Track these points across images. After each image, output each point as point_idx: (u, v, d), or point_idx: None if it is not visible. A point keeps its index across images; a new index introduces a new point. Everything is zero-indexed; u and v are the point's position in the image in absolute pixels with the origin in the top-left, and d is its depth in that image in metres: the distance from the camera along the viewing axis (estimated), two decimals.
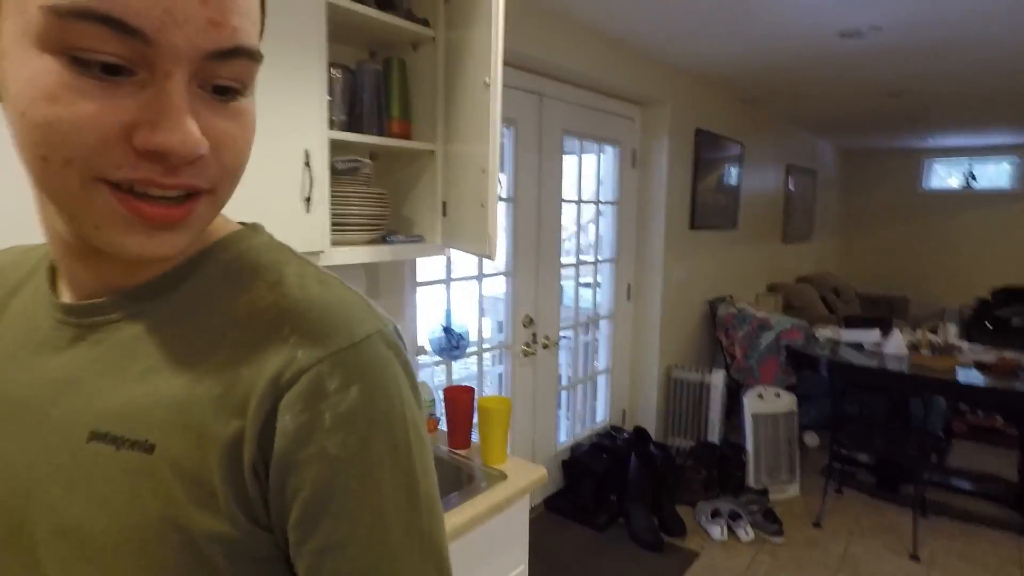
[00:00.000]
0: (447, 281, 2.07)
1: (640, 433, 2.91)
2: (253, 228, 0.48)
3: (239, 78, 0.37)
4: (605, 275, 3.02)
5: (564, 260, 2.69)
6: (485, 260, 2.22)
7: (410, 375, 0.43)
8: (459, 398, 1.46)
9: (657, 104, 2.94)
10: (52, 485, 0.40)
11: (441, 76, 1.44)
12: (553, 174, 2.51)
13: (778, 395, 2.94)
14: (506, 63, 1.37)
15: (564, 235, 2.66)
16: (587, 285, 2.97)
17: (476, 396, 1.48)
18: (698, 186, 3.27)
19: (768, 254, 4.51)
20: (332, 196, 1.25)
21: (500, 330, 2.53)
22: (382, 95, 1.42)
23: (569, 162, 2.65)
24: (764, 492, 2.75)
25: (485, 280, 2.27)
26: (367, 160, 1.40)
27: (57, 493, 0.40)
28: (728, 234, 3.77)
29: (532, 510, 2.05)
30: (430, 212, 1.50)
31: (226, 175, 0.39)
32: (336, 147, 1.27)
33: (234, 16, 0.34)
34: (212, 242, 0.45)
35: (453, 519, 1.15)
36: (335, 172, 1.27)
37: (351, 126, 1.38)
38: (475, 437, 1.49)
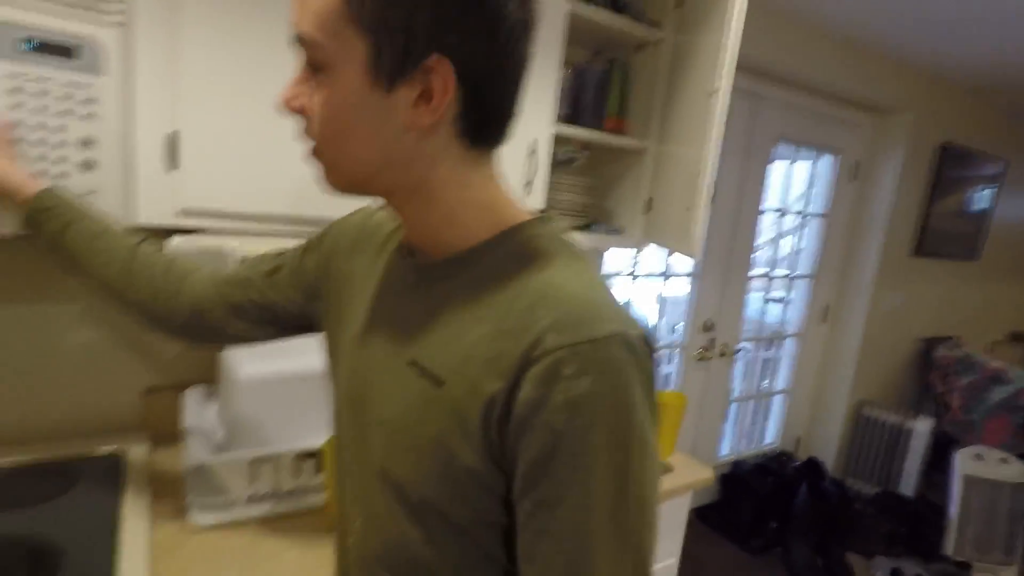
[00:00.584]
0: (632, 275, 2.13)
1: (813, 465, 2.70)
2: (542, 218, 0.55)
3: (308, 59, 0.48)
4: (799, 292, 2.82)
5: (754, 270, 2.57)
6: (671, 260, 2.24)
7: (646, 383, 0.47)
8: None
9: (894, 113, 2.64)
10: (380, 387, 0.55)
11: (663, 78, 1.49)
12: (757, 180, 2.41)
13: (1004, 460, 2.51)
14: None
15: (758, 244, 2.54)
16: (776, 300, 2.80)
17: None
18: (933, 208, 2.87)
19: (1016, 296, 3.79)
20: (548, 183, 1.38)
21: (672, 331, 2.52)
22: (603, 94, 1.52)
23: (776, 168, 2.51)
24: (967, 566, 2.39)
25: (671, 280, 2.28)
26: (583, 152, 1.51)
27: (382, 394, 0.55)
28: (963, 266, 3.25)
29: None
30: (632, 206, 1.57)
31: (320, 139, 0.50)
32: (557, 139, 1.40)
33: (297, 11, 0.47)
34: (508, 227, 0.53)
35: None
36: (554, 161, 1.40)
37: (572, 120, 1.50)
38: None
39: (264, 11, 0.94)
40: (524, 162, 1.30)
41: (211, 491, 1.02)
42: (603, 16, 1.39)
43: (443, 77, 0.45)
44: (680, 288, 2.39)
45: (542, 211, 0.56)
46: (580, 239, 1.50)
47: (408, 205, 0.53)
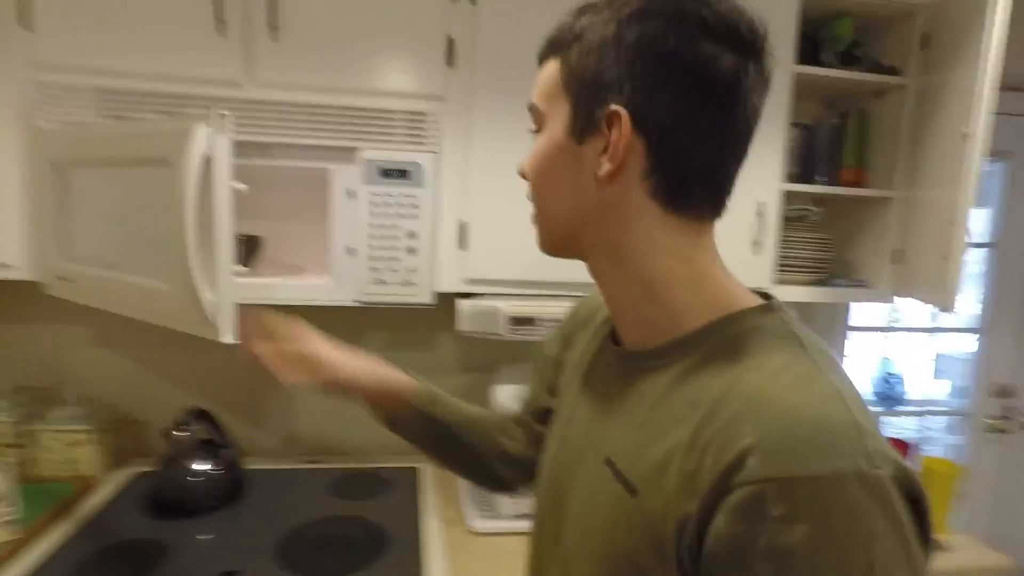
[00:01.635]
0: (886, 329, 1.93)
1: None
2: (769, 306, 0.48)
3: (536, 128, 0.53)
4: None
5: None
6: (944, 313, 1.97)
7: (904, 542, 0.35)
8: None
9: None
10: (578, 483, 0.53)
11: (908, 122, 1.42)
12: None
13: None
14: (1001, 88, 1.24)
15: None
16: None
17: (911, 454, 1.39)
18: None
19: None
20: (781, 240, 1.40)
21: (960, 394, 2.16)
22: (837, 145, 1.50)
23: None
24: None
25: (946, 336, 2.00)
26: (814, 208, 1.50)
27: (579, 490, 0.53)
28: None
29: None
30: (877, 258, 1.48)
31: (532, 194, 0.54)
32: (786, 196, 1.42)
33: (533, 89, 0.53)
34: (726, 315, 0.47)
35: None
36: (784, 219, 1.42)
37: (802, 177, 1.51)
38: None
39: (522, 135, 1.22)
40: (751, 222, 1.36)
41: (484, 505, 1.27)
42: (830, 72, 1.41)
43: (618, 126, 0.46)
44: (962, 344, 2.06)
45: (768, 296, 0.50)
46: (819, 293, 1.47)
47: (606, 270, 0.52)
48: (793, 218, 1.47)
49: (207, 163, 0.72)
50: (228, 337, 0.75)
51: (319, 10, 1.12)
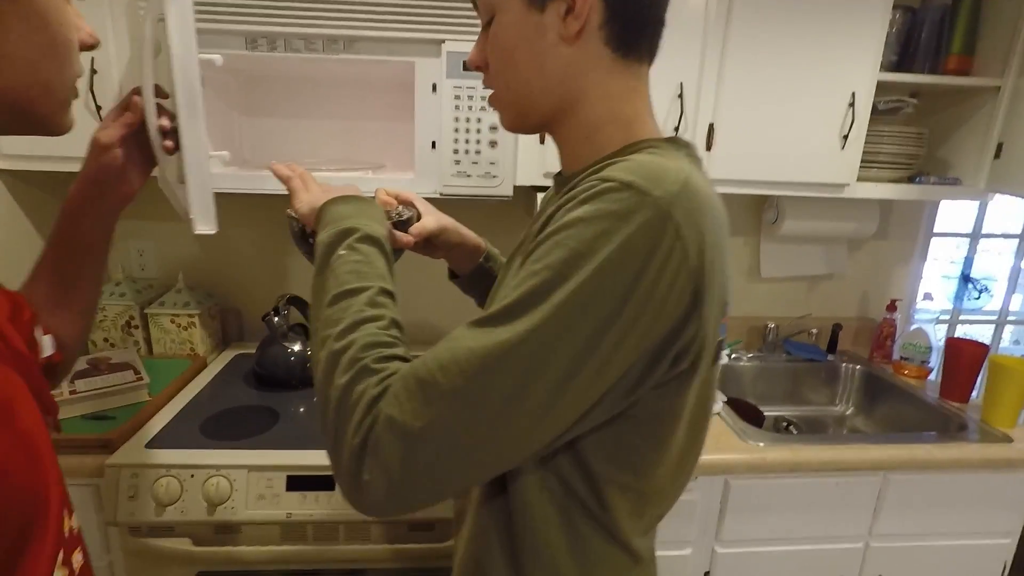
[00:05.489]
0: (972, 236, 1.85)
1: None
2: (674, 140, 0.54)
3: (483, 23, 0.56)
4: None
5: None
6: None
7: (642, 248, 0.42)
8: (965, 350, 1.39)
9: None
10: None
11: None
12: None
13: None
14: None
15: None
16: None
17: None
18: None
19: None
20: (867, 134, 1.34)
21: None
22: (944, 31, 1.39)
23: None
24: None
25: None
26: (911, 100, 1.41)
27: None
28: None
29: None
30: (976, 153, 1.40)
31: (494, 77, 0.57)
32: (881, 87, 1.34)
33: None
34: (624, 145, 0.54)
35: (930, 451, 1.20)
36: (875, 112, 1.35)
37: (900, 66, 1.41)
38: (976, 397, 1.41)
39: None
40: (841, 115, 1.30)
41: None
42: None
43: None
44: None
45: (678, 138, 0.55)
46: (904, 190, 1.41)
47: (562, 128, 0.57)
48: (886, 111, 1.39)
49: (157, 24, 0.62)
50: (200, 227, 0.68)
51: None
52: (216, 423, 1.17)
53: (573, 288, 0.42)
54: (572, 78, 0.53)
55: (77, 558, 0.45)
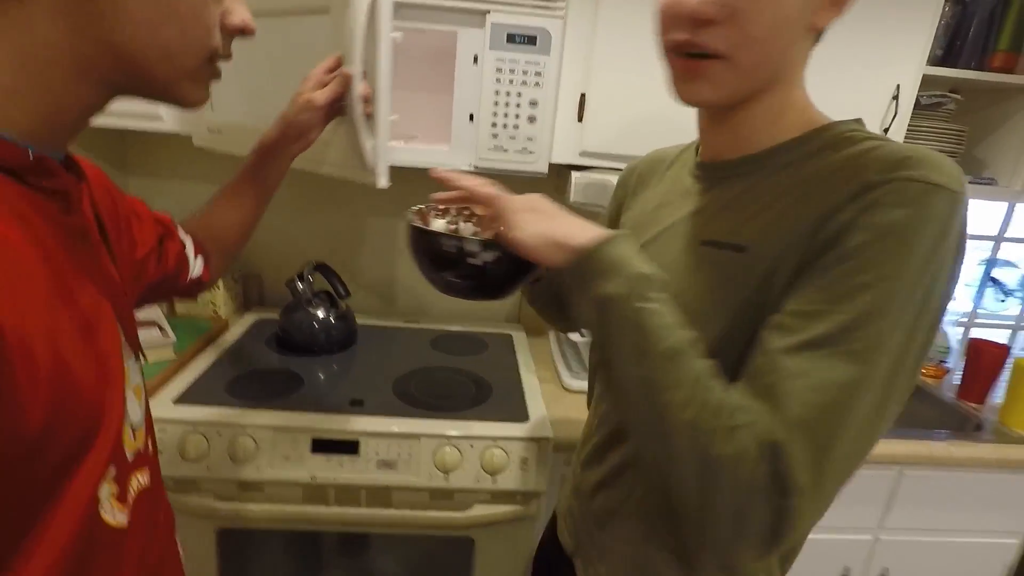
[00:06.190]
0: (996, 238, 1.83)
1: None
2: (857, 120, 0.55)
3: None
4: None
5: None
6: None
7: (956, 239, 0.45)
8: (986, 350, 1.39)
9: None
10: (676, 270, 0.58)
11: None
12: None
13: None
14: None
15: None
16: None
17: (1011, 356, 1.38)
18: None
19: None
20: (907, 130, 1.32)
21: None
22: (992, 26, 1.36)
23: None
24: None
25: None
26: (954, 95, 1.39)
27: (677, 275, 0.58)
28: None
29: None
30: (1014, 153, 1.38)
31: (744, 43, 0.48)
32: (925, 82, 1.31)
33: None
34: (820, 124, 0.54)
35: (947, 448, 1.21)
36: (917, 106, 1.33)
37: (944, 60, 1.38)
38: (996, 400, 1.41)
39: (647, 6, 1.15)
40: (883, 108, 1.28)
41: (577, 366, 1.36)
42: None
43: None
44: None
45: (856, 118, 0.56)
46: None
47: (747, 109, 0.54)
48: (928, 106, 1.37)
49: (371, 10, 0.73)
50: (383, 181, 0.79)
51: None
52: (242, 383, 1.19)
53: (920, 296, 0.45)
54: (793, 60, 0.53)
55: (139, 478, 0.47)
